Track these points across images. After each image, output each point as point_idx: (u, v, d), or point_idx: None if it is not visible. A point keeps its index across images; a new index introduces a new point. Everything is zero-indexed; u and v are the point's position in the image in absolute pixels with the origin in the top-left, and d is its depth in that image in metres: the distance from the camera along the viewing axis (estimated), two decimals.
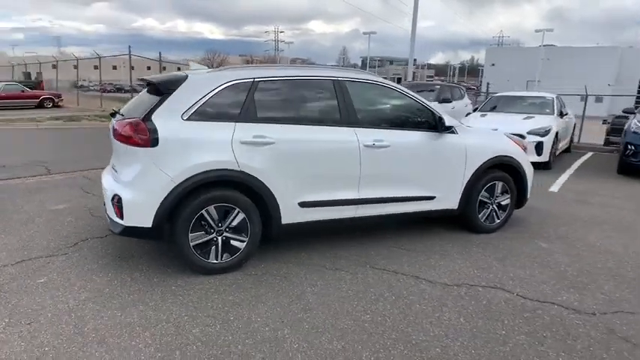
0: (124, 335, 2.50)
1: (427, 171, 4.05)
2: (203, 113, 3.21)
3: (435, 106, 4.18)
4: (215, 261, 3.30)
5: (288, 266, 3.52)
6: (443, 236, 4.35)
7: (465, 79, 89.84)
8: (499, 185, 4.47)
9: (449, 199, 4.22)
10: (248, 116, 3.33)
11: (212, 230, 3.26)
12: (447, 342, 2.57)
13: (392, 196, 3.90)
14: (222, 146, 3.18)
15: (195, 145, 3.14)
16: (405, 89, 4.07)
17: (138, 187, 3.07)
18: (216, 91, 3.28)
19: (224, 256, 3.33)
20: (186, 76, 3.30)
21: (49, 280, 3.11)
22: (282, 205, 3.44)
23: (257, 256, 3.61)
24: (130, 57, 19.05)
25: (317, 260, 3.66)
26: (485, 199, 4.44)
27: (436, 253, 3.93)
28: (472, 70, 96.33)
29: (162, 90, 3.23)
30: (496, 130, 8.20)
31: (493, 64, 45.05)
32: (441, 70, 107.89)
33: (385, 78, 4.34)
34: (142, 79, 3.63)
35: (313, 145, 3.51)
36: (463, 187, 4.24)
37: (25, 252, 3.60)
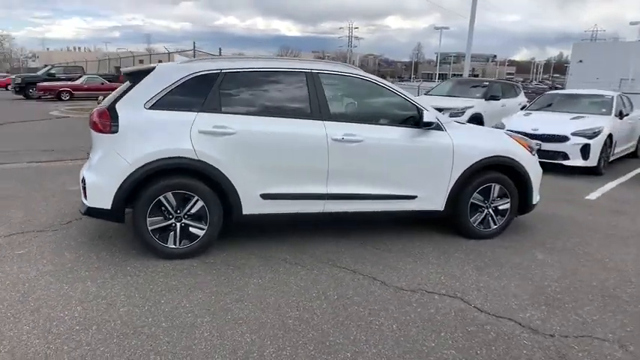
0: (58, 307, 2.68)
1: (406, 169, 3.84)
2: (166, 103, 3.32)
3: (479, 103, 3.95)
4: (173, 246, 3.41)
5: (249, 257, 3.54)
6: (430, 239, 4.10)
7: (550, 77, 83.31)
8: (496, 188, 4.12)
9: (432, 200, 3.97)
10: (211, 107, 3.39)
11: (170, 216, 3.37)
12: (363, 347, 2.44)
13: (366, 193, 3.75)
14: (180, 135, 3.27)
15: (154, 133, 3.26)
16: (387, 83, 3.89)
17: (99, 171, 3.27)
18: (182, 81, 3.37)
19: (183, 242, 3.43)
20: (154, 67, 3.43)
21: (26, 252, 3.42)
22: (243, 195, 3.46)
23: (223, 246, 3.67)
24: (195, 52, 20.12)
25: (281, 254, 3.63)
26: (479, 203, 4.12)
27: (411, 256, 3.72)
28: (559, 67, 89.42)
29: (131, 80, 3.39)
30: (536, 130, 7.61)
31: (580, 61, 41.16)
32: (524, 67, 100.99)
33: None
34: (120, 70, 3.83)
35: (276, 137, 3.48)
36: (449, 188, 3.96)
37: (23, 225, 3.99)
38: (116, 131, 3.20)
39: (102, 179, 3.24)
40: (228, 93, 3.48)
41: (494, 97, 10.57)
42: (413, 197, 3.89)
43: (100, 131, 3.23)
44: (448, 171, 3.91)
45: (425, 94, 12.34)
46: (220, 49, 20.90)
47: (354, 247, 3.84)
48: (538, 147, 7.53)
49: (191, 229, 3.43)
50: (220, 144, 3.34)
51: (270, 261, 3.49)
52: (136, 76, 3.39)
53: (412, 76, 74.92)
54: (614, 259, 3.84)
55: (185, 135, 3.27)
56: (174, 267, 3.30)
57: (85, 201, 3.33)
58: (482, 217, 4.17)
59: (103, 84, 22.12)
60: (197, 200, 3.38)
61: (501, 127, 8.26)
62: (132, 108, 3.26)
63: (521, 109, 9.78)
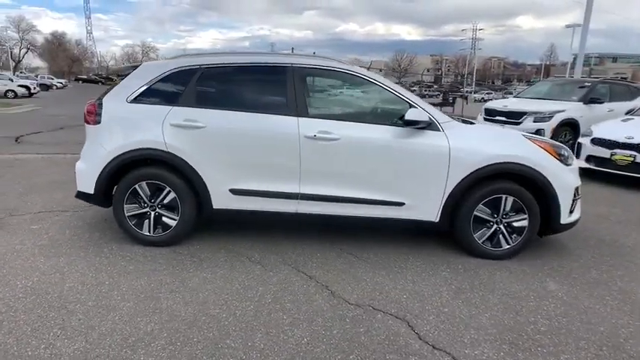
0: (20, 275, 2.99)
1: (392, 172, 3.47)
2: (146, 97, 3.50)
3: (576, 107, 3.50)
4: (147, 233, 3.57)
5: (218, 252, 3.54)
6: (425, 253, 3.65)
7: None
8: (508, 200, 3.50)
9: (424, 209, 3.52)
10: (187, 101, 3.48)
11: (145, 205, 3.54)
12: (251, 356, 2.25)
13: (343, 195, 3.49)
14: (153, 127, 3.42)
15: (131, 124, 3.46)
16: (378, 78, 3.55)
17: (86, 159, 3.58)
18: (162, 76, 3.53)
19: (156, 230, 3.57)
20: (139, 64, 3.65)
21: (37, 228, 3.90)
22: (212, 189, 3.48)
23: (202, 238, 3.75)
24: None
25: (251, 252, 3.56)
26: (485, 216, 3.54)
27: (386, 269, 3.35)
28: None
29: (121, 77, 3.66)
30: (631, 138, 6.35)
31: None
32: None
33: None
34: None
35: (246, 132, 3.43)
36: (445, 197, 3.47)
37: (54, 205, 4.55)
38: (99, 122, 3.48)
39: (87, 166, 3.54)
40: (206, 87, 3.54)
41: (596, 101, 9.01)
42: (400, 204, 3.50)
43: (88, 122, 3.54)
44: (443, 177, 3.44)
45: (514, 97, 11.07)
46: (314, 52, 21.35)
47: (330, 253, 3.60)
48: (632, 159, 6.26)
49: (164, 218, 3.56)
50: (190, 137, 3.41)
51: (234, 258, 3.45)
52: (123, 73, 3.64)
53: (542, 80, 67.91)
54: None
55: (158, 128, 3.41)
56: (144, 253, 3.46)
57: (77, 185, 3.68)
58: (491, 233, 3.57)
59: None
60: (169, 191, 3.50)
61: (589, 134, 7.06)
62: (115, 101, 3.51)
63: (626, 113, 8.19)
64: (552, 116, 8.68)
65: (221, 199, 3.51)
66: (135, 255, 3.42)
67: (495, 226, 3.56)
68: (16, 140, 8.58)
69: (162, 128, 3.40)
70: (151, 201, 3.53)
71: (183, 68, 3.54)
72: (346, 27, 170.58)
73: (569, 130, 8.89)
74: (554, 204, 3.51)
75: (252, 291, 2.94)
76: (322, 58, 3.71)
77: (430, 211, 3.53)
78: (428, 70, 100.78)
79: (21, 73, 45.63)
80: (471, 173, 3.42)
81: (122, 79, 3.60)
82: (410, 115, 3.32)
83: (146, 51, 79.68)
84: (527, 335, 2.54)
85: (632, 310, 2.86)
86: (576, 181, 3.66)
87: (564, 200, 3.53)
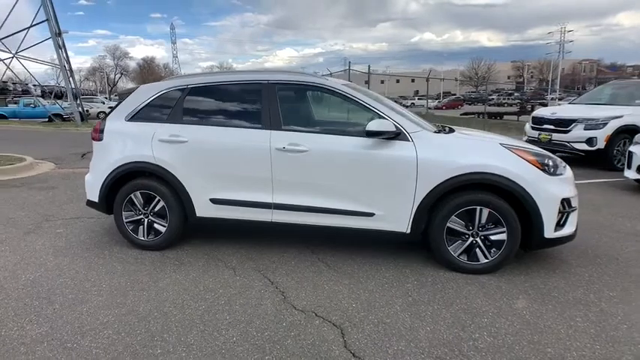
0: (27, 270, 3.49)
1: (360, 182, 3.50)
2: (141, 116, 3.93)
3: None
4: (142, 238, 3.96)
5: (201, 257, 3.80)
6: (402, 265, 3.63)
7: None
8: (483, 213, 3.36)
9: (394, 220, 3.50)
10: (174, 118, 3.85)
11: (139, 212, 3.93)
12: (168, 347, 2.45)
13: (315, 205, 3.59)
14: (144, 143, 3.81)
15: (127, 141, 3.89)
16: (350, 91, 3.62)
17: (92, 171, 4.07)
18: (155, 97, 3.93)
19: (149, 235, 3.95)
20: (139, 86, 4.09)
21: (62, 232, 4.48)
22: (195, 198, 3.78)
23: (193, 244, 4.07)
24: (350, 71, 21.25)
25: (230, 258, 3.78)
26: (459, 228, 3.43)
27: (353, 278, 3.39)
28: None
29: (121, 98, 4.13)
30: None
31: None
32: None
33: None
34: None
35: (222, 145, 3.69)
36: (414, 207, 3.43)
37: (78, 213, 5.14)
38: (102, 139, 3.96)
39: (93, 178, 4.04)
40: (190, 105, 3.87)
41: None
42: (370, 214, 3.52)
43: (94, 139, 4.04)
44: (411, 188, 3.40)
45: (569, 103, 10.23)
46: (349, 61, 21.40)
47: (305, 262, 3.70)
48: None
49: (155, 225, 3.92)
50: (174, 151, 3.75)
51: (212, 263, 3.69)
52: (124, 95, 4.11)
53: None
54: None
55: (148, 143, 3.80)
56: (137, 256, 3.84)
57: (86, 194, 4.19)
58: (467, 246, 3.44)
59: None
60: (159, 200, 3.86)
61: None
62: (116, 120, 3.97)
63: None
64: (607, 123, 7.92)
65: (203, 208, 3.79)
66: (128, 257, 3.81)
67: (471, 238, 3.43)
68: (82, 156, 9.76)
69: (151, 143, 3.79)
70: (145, 209, 3.92)
71: (173, 89, 3.91)
72: (422, 37, 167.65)
73: (629, 138, 8.03)
74: (535, 217, 3.30)
75: (212, 293, 3.15)
76: (297, 74, 3.87)
77: (400, 222, 3.49)
78: (509, 78, 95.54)
79: (115, 95, 51.29)
80: (441, 184, 3.35)
81: (121, 101, 4.07)
82: (371, 126, 3.35)
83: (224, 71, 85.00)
84: (459, 351, 2.44)
85: (598, 334, 2.61)
86: (565, 192, 3.40)
87: (547, 213, 3.30)
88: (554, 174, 3.40)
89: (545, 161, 3.40)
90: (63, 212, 5.19)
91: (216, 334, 2.62)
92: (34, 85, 28.86)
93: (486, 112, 30.10)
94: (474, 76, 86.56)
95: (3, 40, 18.73)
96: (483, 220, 3.38)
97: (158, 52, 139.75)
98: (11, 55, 19.40)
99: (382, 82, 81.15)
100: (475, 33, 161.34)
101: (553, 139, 8.55)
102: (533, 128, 9.13)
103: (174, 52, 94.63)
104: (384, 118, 3.47)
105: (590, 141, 7.98)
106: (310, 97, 3.83)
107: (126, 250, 3.96)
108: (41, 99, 23.93)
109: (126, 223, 3.96)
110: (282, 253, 3.88)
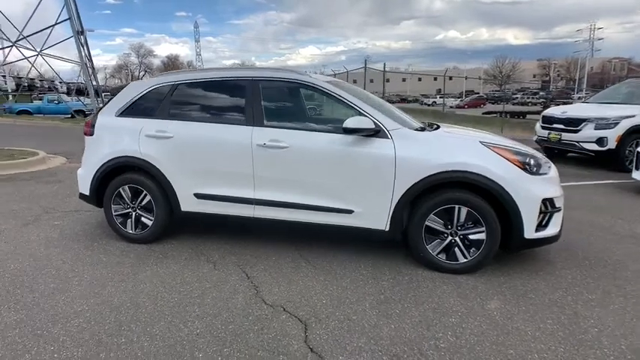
0: (17, 259, 3.62)
1: (340, 179, 3.51)
2: (130, 111, 4.02)
3: None
4: (130, 231, 4.06)
5: (186, 251, 3.87)
6: (382, 263, 3.62)
7: None
8: (462, 211, 3.32)
9: (372, 217, 3.49)
10: (161, 114, 3.92)
11: (128, 206, 4.03)
12: (129, 336, 2.51)
13: (296, 202, 3.61)
14: (132, 138, 3.90)
15: (116, 135, 3.99)
16: (332, 88, 3.61)
17: (84, 165, 4.19)
18: (144, 93, 4.02)
19: (137, 229, 4.04)
20: (129, 83, 4.18)
21: (59, 224, 4.63)
22: (179, 193, 3.85)
23: (181, 238, 4.15)
24: (366, 69, 21.17)
25: (214, 252, 3.83)
26: (438, 227, 3.39)
27: (330, 275, 3.40)
28: None
29: (113, 94, 4.23)
30: None
31: None
32: None
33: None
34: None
35: (206, 141, 3.74)
36: (393, 205, 3.41)
37: (78, 207, 5.27)
38: (93, 134, 4.08)
39: (84, 172, 4.15)
40: (178, 101, 3.94)
41: None
42: (349, 212, 3.52)
43: (86, 134, 4.16)
44: (389, 185, 3.39)
45: (583, 102, 9.93)
46: (385, 64, 21.26)
47: (286, 258, 3.73)
48: None
49: (142, 218, 4.01)
50: (160, 146, 3.83)
51: (195, 257, 3.75)
52: (115, 91, 4.21)
53: None
54: (614, 333, 2.61)
55: (135, 138, 3.88)
56: (124, 248, 3.93)
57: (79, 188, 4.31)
58: (445, 245, 3.40)
59: None
60: (146, 194, 3.95)
61: None
62: (106, 116, 4.08)
63: None
64: (618, 122, 7.67)
65: (188, 203, 3.86)
66: (116, 250, 3.91)
67: (450, 237, 3.39)
68: None
69: (139, 138, 3.88)
70: (132, 203, 4.01)
71: (161, 85, 3.99)
72: (446, 35, 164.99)
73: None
74: (514, 216, 3.24)
75: (188, 286, 3.21)
76: (282, 70, 3.88)
77: (379, 220, 3.48)
78: (534, 76, 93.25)
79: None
80: (419, 182, 3.32)
81: (113, 97, 4.17)
82: (348, 123, 3.34)
83: None
84: (418, 350, 2.43)
85: (565, 337, 2.55)
86: (548, 192, 3.33)
87: (527, 213, 3.23)
88: (536, 173, 3.33)
89: (527, 160, 3.32)
90: (64, 205, 5.36)
91: (181, 325, 2.67)
92: (60, 82, 29.78)
93: (508, 112, 29.52)
94: (498, 75, 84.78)
95: (28, 39, 19.35)
96: (462, 219, 3.34)
97: (182, 50, 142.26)
98: (36, 53, 20.05)
99: (404, 80, 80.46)
100: (501, 31, 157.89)
101: (562, 138, 8.33)
102: (543, 127, 8.92)
103: (198, 50, 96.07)
104: (363, 115, 3.46)
105: (600, 141, 7.74)
106: (294, 94, 3.85)
107: (114, 242, 4.07)
108: (64, 96, 24.67)
109: (115, 216, 4.07)
110: (265, 248, 3.92)
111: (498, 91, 65.36)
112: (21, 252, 3.82)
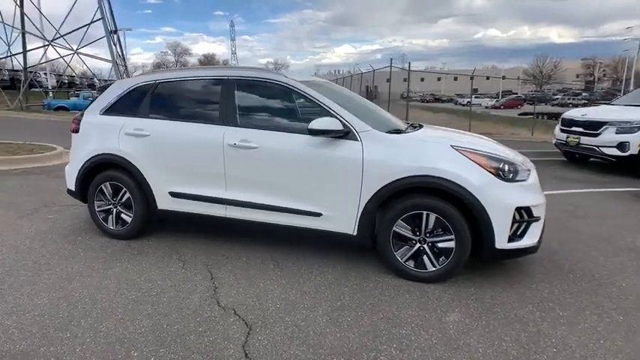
0: (1, 246, 3.79)
1: (307, 181, 3.45)
2: (113, 109, 4.10)
3: None
4: (112, 227, 4.14)
5: (162, 249, 3.90)
6: (349, 268, 3.54)
7: None
8: (430, 218, 3.19)
9: (340, 221, 3.41)
10: (141, 112, 3.98)
11: (109, 202, 4.12)
12: (75, 331, 2.55)
13: (265, 203, 3.58)
14: (112, 135, 3.98)
15: (99, 133, 4.08)
16: (306, 89, 3.54)
17: (70, 162, 4.31)
18: (127, 91, 4.09)
19: (118, 225, 4.12)
20: (114, 82, 4.27)
21: (53, 217, 4.80)
22: (156, 191, 3.90)
23: (161, 236, 4.20)
24: (391, 68, 20.82)
25: (189, 251, 3.85)
26: (406, 233, 3.27)
27: (291, 279, 3.34)
28: None
29: (99, 92, 4.33)
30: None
31: None
32: None
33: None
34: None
35: (180, 140, 3.77)
36: (360, 209, 3.32)
37: (75, 201, 5.32)
38: (78, 132, 4.19)
39: (70, 168, 4.28)
40: (157, 100, 3.98)
41: None
42: (318, 215, 3.45)
43: (72, 131, 4.28)
44: (357, 188, 3.30)
45: (606, 103, 9.37)
46: (410, 63, 20.80)
47: (256, 259, 3.70)
48: None
49: (122, 215, 4.09)
50: (138, 144, 3.89)
51: (167, 255, 3.78)
52: (101, 89, 4.31)
53: None
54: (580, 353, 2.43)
55: (115, 136, 3.96)
56: (104, 244, 4.01)
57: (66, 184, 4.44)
58: (414, 253, 3.28)
59: None
60: (125, 191, 4.02)
61: None
62: (91, 114, 4.18)
63: None
64: None
65: (163, 201, 3.90)
66: (96, 245, 4.01)
67: (418, 244, 3.26)
68: None
69: (119, 136, 3.95)
70: (113, 199, 4.10)
71: (143, 84, 4.05)
72: (486, 33, 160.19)
73: None
74: (484, 225, 3.08)
75: (150, 284, 3.24)
76: (257, 70, 3.85)
77: (347, 224, 3.40)
78: (577, 76, 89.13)
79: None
80: (386, 186, 3.22)
81: (99, 94, 4.27)
82: (314, 124, 3.27)
83: (278, 68, 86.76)
84: (354, 358, 2.34)
85: (518, 357, 2.40)
86: (524, 200, 3.14)
87: (499, 221, 3.06)
88: (511, 180, 3.15)
89: (501, 166, 3.14)
90: (63, 199, 5.54)
91: (129, 323, 2.69)
92: (99, 80, 31.07)
93: (545, 113, 28.27)
94: (538, 75, 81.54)
95: (64, 38, 20.29)
96: (430, 226, 3.20)
97: (219, 48, 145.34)
98: (72, 52, 20.99)
99: (439, 79, 78.88)
100: (544, 29, 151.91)
101: (581, 142, 7.89)
102: (561, 130, 8.48)
103: (233, 49, 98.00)
104: (333, 116, 3.38)
105: (621, 146, 7.28)
106: (268, 94, 3.80)
107: (97, 238, 4.17)
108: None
109: (98, 212, 4.17)
110: (239, 249, 3.91)
111: (538, 91, 62.91)
112: (7, 244, 3.98)
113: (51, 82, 28.10)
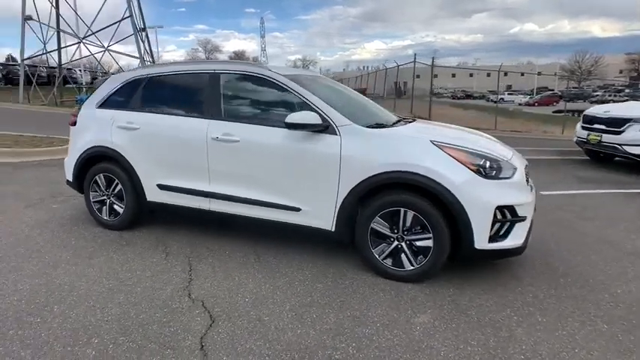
0: (1, 233, 3.97)
1: (286, 175, 3.41)
2: (107, 103, 4.20)
3: None
4: (105, 218, 4.25)
5: (150, 240, 3.98)
6: (328, 264, 3.49)
7: None
8: (408, 215, 3.09)
9: (319, 217, 3.36)
10: (132, 105, 4.05)
11: (103, 193, 4.23)
12: (47, 317, 2.62)
13: (246, 196, 3.57)
14: (106, 128, 4.07)
15: (94, 126, 4.18)
16: (289, 83, 3.49)
17: (69, 154, 4.44)
18: (121, 85, 4.17)
19: (111, 216, 4.23)
20: (110, 76, 4.36)
21: (57, 207, 4.98)
22: (145, 183, 3.97)
23: (153, 228, 4.27)
24: (415, 64, 20.45)
25: (175, 243, 3.89)
26: (384, 231, 3.19)
27: (267, 274, 3.33)
28: None
29: (97, 86, 4.44)
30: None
31: None
32: None
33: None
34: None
35: (167, 133, 3.81)
36: (338, 205, 3.26)
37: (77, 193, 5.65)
38: (75, 125, 4.31)
39: (68, 160, 4.41)
40: (148, 94, 4.04)
41: None
42: (297, 209, 3.42)
43: (70, 124, 4.40)
44: (334, 184, 3.24)
45: (632, 99, 8.83)
46: (433, 58, 20.27)
47: (239, 252, 3.71)
48: None
49: (115, 206, 4.19)
50: (128, 137, 3.96)
51: (154, 246, 3.83)
52: (99, 83, 4.42)
53: None
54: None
55: (108, 128, 4.05)
56: (97, 234, 4.12)
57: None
58: (391, 251, 3.20)
59: None
60: (117, 183, 4.11)
61: None
62: (89, 108, 4.29)
63: None
64: None
65: (152, 193, 3.97)
66: (89, 234, 4.12)
67: (396, 242, 3.17)
68: None
69: (111, 129, 4.04)
70: (107, 190, 4.20)
71: (136, 78, 4.12)
72: (522, 27, 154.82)
73: None
74: (462, 224, 2.96)
75: (129, 274, 3.30)
76: (241, 63, 3.84)
77: (325, 220, 3.35)
78: (620, 72, 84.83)
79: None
80: (363, 181, 3.14)
81: (96, 89, 4.38)
82: (290, 118, 3.22)
83: (306, 64, 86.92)
84: (308, 358, 2.30)
85: None
86: (506, 199, 2.99)
87: (478, 220, 2.94)
88: (494, 177, 3.01)
89: (482, 162, 3.01)
90: (70, 190, 5.72)
91: (98, 311, 2.75)
92: None
93: (580, 110, 27.09)
94: (577, 70, 78.11)
95: (93, 37, 21.02)
96: (408, 224, 3.11)
97: (250, 45, 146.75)
98: (103, 49, 21.74)
99: (471, 75, 76.87)
100: (586, 22, 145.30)
101: (603, 140, 7.49)
102: (583, 128, 8.08)
103: (263, 46, 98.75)
104: (314, 110, 3.33)
105: None
106: (252, 87, 3.78)
107: (92, 228, 4.28)
108: None
109: (93, 202, 4.28)
110: (224, 242, 3.93)
111: (576, 87, 60.32)
112: (8, 231, 4.15)
113: (85, 78, 29.22)
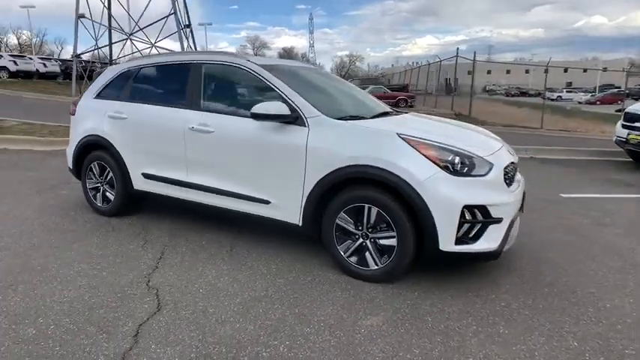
0: (2, 216, 4.20)
1: (256, 167, 3.36)
2: (103, 94, 4.33)
3: None
4: (99, 204, 4.40)
5: (136, 228, 4.06)
6: (300, 259, 3.42)
7: None
8: (372, 212, 2.94)
9: (286, 210, 3.28)
10: (123, 96, 4.16)
11: (97, 180, 4.38)
12: (12, 297, 2.72)
13: (219, 187, 3.56)
14: (99, 118, 4.21)
15: (89, 115, 4.33)
16: (266, 74, 3.41)
17: (69, 142, 4.64)
18: (115, 76, 4.29)
19: (104, 202, 4.37)
20: (106, 68, 4.49)
21: (64, 193, 5.22)
22: (131, 171, 4.06)
23: (143, 216, 4.37)
24: (457, 60, 19.67)
25: (158, 232, 3.95)
26: (348, 227, 3.06)
27: (234, 266, 3.30)
28: None
29: (95, 78, 4.59)
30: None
31: None
32: None
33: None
34: None
35: (150, 123, 3.87)
36: (304, 199, 3.17)
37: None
38: (74, 114, 4.49)
39: (69, 148, 4.60)
40: (137, 84, 4.13)
41: None
42: (266, 202, 3.36)
43: (70, 114, 4.59)
44: (300, 177, 3.15)
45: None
46: (475, 53, 19.27)
47: (215, 243, 3.71)
48: None
49: (107, 193, 4.32)
50: (118, 126, 4.07)
51: (137, 234, 3.89)
52: (96, 75, 4.57)
53: None
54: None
55: (101, 118, 4.18)
56: (89, 219, 4.27)
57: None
58: (356, 249, 3.06)
59: (384, 93, 25.18)
60: (109, 171, 4.24)
61: None
62: (87, 98, 4.45)
63: None
64: None
65: (138, 182, 4.05)
66: (82, 220, 4.28)
67: (361, 240, 3.03)
68: None
69: (103, 119, 4.17)
70: (100, 178, 4.34)
71: (129, 69, 4.22)
72: (588, 21, 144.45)
73: None
74: (425, 223, 2.77)
75: (102, 259, 3.38)
76: (223, 54, 3.81)
77: (292, 213, 3.26)
78: None
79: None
80: (329, 174, 3.03)
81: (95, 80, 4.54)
82: (256, 108, 3.15)
83: (353, 60, 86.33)
84: (234, 353, 2.24)
85: None
86: (477, 198, 2.76)
87: (443, 220, 2.73)
88: (464, 174, 2.79)
89: (450, 158, 2.79)
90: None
91: (57, 293, 2.83)
92: None
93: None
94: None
95: (140, 33, 21.99)
96: (372, 221, 2.95)
97: (300, 42, 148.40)
98: (150, 45, 22.71)
99: (527, 71, 73.01)
100: None
101: None
102: (623, 126, 7.39)
103: (311, 42, 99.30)
104: (284, 100, 3.24)
105: None
106: (231, 78, 3.75)
107: (87, 213, 4.45)
108: None
109: (89, 189, 4.45)
110: (204, 232, 3.94)
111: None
112: (12, 214, 4.39)
113: None
